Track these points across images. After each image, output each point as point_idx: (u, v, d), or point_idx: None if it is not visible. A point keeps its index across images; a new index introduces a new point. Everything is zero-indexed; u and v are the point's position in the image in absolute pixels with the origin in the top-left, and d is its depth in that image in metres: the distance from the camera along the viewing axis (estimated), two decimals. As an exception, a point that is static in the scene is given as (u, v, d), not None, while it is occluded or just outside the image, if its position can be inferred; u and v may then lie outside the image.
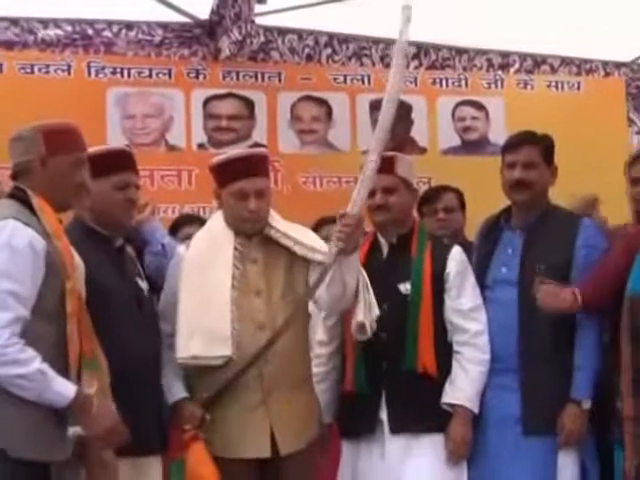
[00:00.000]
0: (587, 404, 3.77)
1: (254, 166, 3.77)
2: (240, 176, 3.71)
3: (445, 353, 3.85)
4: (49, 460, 3.01)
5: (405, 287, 3.86)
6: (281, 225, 3.81)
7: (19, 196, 3.17)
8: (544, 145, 4.00)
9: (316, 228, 4.69)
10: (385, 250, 3.99)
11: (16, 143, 3.24)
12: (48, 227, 3.10)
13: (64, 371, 3.04)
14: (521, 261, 3.92)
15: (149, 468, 3.58)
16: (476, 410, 3.81)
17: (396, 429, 3.79)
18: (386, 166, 3.91)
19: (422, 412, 3.78)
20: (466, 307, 3.88)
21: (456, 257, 3.93)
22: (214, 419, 3.60)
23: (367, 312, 3.65)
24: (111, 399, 3.21)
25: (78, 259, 3.27)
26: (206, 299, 3.62)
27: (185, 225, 4.87)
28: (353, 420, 3.88)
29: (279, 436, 3.60)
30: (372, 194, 3.89)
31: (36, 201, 3.14)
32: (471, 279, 3.94)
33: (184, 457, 3.53)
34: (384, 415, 3.82)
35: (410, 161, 4.14)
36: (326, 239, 4.65)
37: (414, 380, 3.78)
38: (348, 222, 3.56)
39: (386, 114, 3.71)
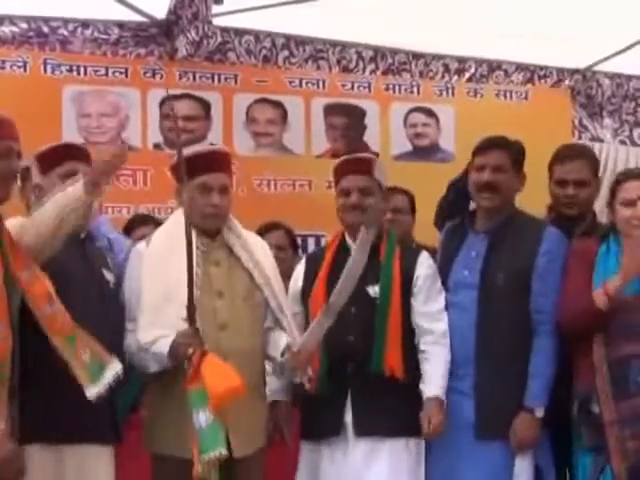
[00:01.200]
0: (540, 412, 3.80)
1: (218, 162, 3.84)
2: (204, 171, 3.75)
3: (412, 356, 3.87)
4: None
5: (374, 290, 3.88)
6: (242, 234, 3.87)
7: None
8: (514, 150, 4.03)
9: (261, 233, 4.72)
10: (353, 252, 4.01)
11: None
12: None
13: None
14: (483, 265, 3.94)
15: (97, 457, 3.57)
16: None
17: (361, 432, 3.81)
18: (363, 167, 3.96)
19: (388, 415, 3.79)
20: (434, 309, 3.92)
21: (425, 262, 3.97)
22: (171, 418, 3.62)
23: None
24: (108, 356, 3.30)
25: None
26: (167, 297, 3.63)
27: (140, 225, 4.88)
28: (316, 422, 3.89)
29: (233, 438, 3.60)
30: (346, 194, 3.92)
31: None
32: (438, 283, 3.97)
33: (201, 384, 3.45)
34: (349, 417, 3.83)
35: (385, 166, 4.17)
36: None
37: (380, 383, 3.80)
38: (301, 359, 3.67)
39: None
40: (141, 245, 3.87)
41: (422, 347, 3.89)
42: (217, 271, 3.73)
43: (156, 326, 3.61)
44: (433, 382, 3.83)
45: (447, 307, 3.96)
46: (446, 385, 3.83)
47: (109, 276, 3.75)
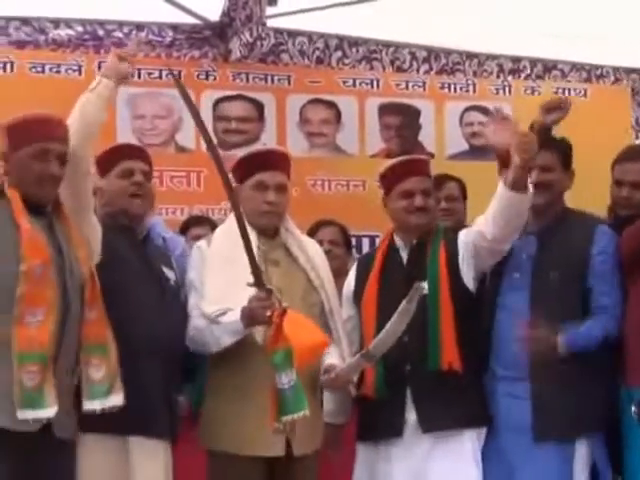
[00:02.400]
0: (563, 347, 3.74)
1: (274, 161, 3.87)
2: (261, 169, 3.78)
3: (469, 347, 3.82)
4: None
5: (423, 287, 3.85)
6: (298, 235, 3.89)
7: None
8: (562, 149, 3.99)
9: (315, 229, 4.73)
10: (404, 253, 3.98)
11: None
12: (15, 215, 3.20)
13: (6, 358, 3.08)
14: (534, 266, 3.90)
15: (154, 451, 3.60)
16: None
17: (428, 428, 3.77)
18: (424, 168, 3.99)
19: (451, 408, 3.76)
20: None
21: (463, 236, 3.92)
22: (229, 415, 3.62)
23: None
24: (120, 384, 3.29)
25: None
26: (230, 295, 3.63)
27: (194, 226, 4.91)
28: (375, 424, 3.87)
29: (294, 437, 3.60)
30: (409, 195, 3.90)
31: (8, 192, 3.26)
32: None
33: (285, 343, 3.42)
34: (412, 416, 3.80)
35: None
36: (320, 242, 4.69)
37: (439, 378, 3.77)
38: (336, 386, 3.74)
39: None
40: (202, 243, 3.89)
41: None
42: (276, 271, 3.73)
43: (223, 303, 3.62)
44: None
45: (498, 309, 3.92)
46: None
47: (170, 274, 3.79)
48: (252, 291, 3.52)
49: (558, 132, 4.08)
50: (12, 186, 3.29)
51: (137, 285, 3.61)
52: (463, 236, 3.91)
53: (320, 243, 4.69)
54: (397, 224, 4.03)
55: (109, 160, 3.75)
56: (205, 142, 3.56)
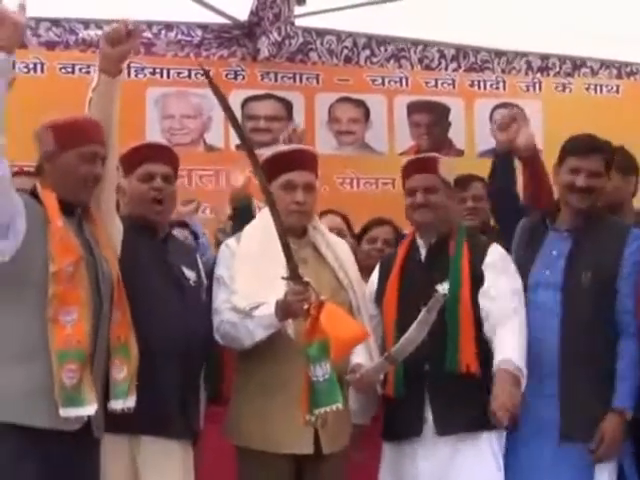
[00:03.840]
0: (629, 414, 3.71)
1: (302, 160, 3.87)
2: (289, 168, 3.78)
3: (487, 351, 3.79)
4: None
5: (443, 288, 3.84)
6: (326, 234, 3.89)
7: (32, 190, 3.33)
8: (609, 154, 3.96)
9: (369, 227, 4.74)
10: (423, 251, 3.98)
11: (35, 141, 3.37)
12: (47, 214, 3.21)
13: (47, 358, 3.09)
14: (567, 265, 3.87)
15: (168, 450, 3.59)
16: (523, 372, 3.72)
17: (442, 431, 3.76)
18: (428, 166, 3.95)
19: (467, 412, 3.74)
20: (503, 288, 3.81)
21: (495, 252, 3.90)
22: (257, 412, 3.62)
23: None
24: (134, 385, 3.31)
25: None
26: (262, 290, 3.63)
27: None
28: (397, 422, 3.86)
29: (323, 435, 3.61)
30: (412, 193, 3.91)
31: (41, 192, 3.27)
32: (511, 266, 3.89)
33: (321, 335, 3.41)
34: (430, 416, 3.79)
35: (451, 162, 4.22)
36: (374, 240, 4.67)
37: (457, 380, 3.75)
38: (360, 387, 3.72)
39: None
40: (231, 240, 3.89)
41: (489, 326, 3.77)
42: (304, 269, 3.72)
43: (255, 297, 3.62)
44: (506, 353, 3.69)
45: (527, 306, 3.86)
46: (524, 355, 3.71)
47: (190, 274, 3.78)
48: (284, 286, 3.52)
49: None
50: (46, 186, 3.31)
51: (155, 285, 3.61)
52: (491, 258, 3.88)
53: (373, 242, 4.70)
54: (410, 222, 4.05)
55: (132, 161, 3.74)
56: (238, 137, 3.56)
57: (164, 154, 3.84)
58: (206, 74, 3.53)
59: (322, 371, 3.38)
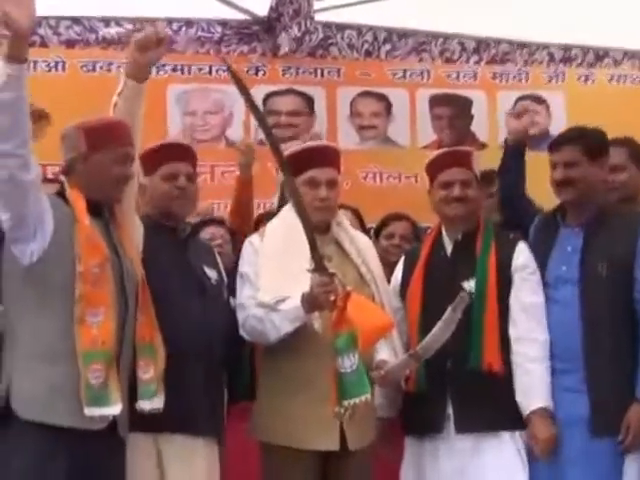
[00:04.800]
0: None
1: (326, 156, 3.86)
2: (312, 165, 3.77)
3: (511, 350, 3.80)
4: None
5: (469, 285, 3.83)
6: (349, 230, 3.88)
7: (59, 190, 3.34)
8: (587, 142, 3.90)
9: (387, 222, 4.73)
10: (449, 247, 3.96)
11: (63, 141, 3.38)
12: (74, 214, 3.22)
13: (73, 358, 3.10)
14: (582, 259, 3.84)
15: (194, 448, 3.59)
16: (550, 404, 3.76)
17: (462, 429, 3.76)
18: (465, 160, 3.96)
19: (489, 410, 3.73)
20: (527, 301, 3.85)
21: (523, 252, 3.89)
22: (283, 407, 3.62)
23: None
24: (162, 386, 3.32)
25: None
26: (287, 285, 3.62)
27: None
28: (418, 418, 3.85)
29: (349, 431, 3.60)
30: (447, 186, 3.89)
31: (69, 192, 3.28)
32: (536, 276, 3.88)
33: (348, 327, 3.40)
34: (451, 413, 3.78)
35: (477, 156, 4.15)
36: (391, 236, 4.64)
37: (479, 378, 3.74)
38: (385, 383, 3.69)
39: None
40: (254, 237, 3.88)
41: (511, 343, 3.81)
42: (329, 265, 3.71)
43: (280, 291, 3.61)
44: (529, 392, 3.76)
45: (547, 302, 3.86)
46: (544, 387, 3.75)
47: (211, 273, 3.78)
48: (308, 278, 3.50)
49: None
50: (75, 186, 3.31)
51: (177, 285, 3.60)
52: (520, 261, 3.88)
53: (391, 237, 4.68)
54: (439, 216, 4.02)
55: (154, 160, 3.73)
56: (262, 131, 3.54)
57: (186, 153, 3.84)
58: (228, 68, 3.52)
59: (350, 362, 3.37)
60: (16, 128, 3.00)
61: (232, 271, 4.02)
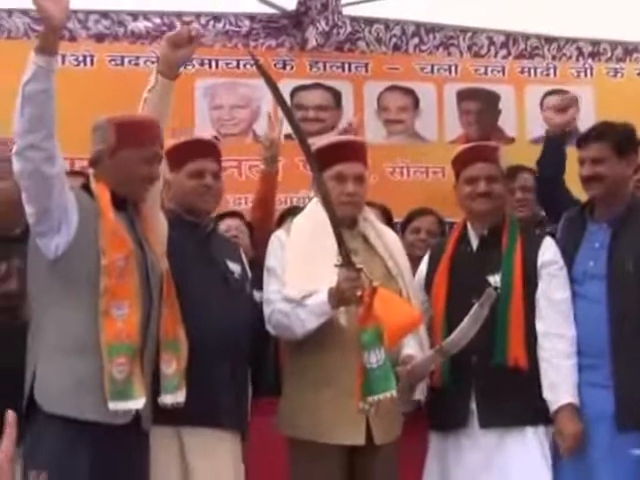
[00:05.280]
0: None
1: (353, 151, 3.86)
2: (339, 160, 3.77)
3: (536, 345, 3.80)
4: None
5: (495, 280, 3.83)
6: (376, 224, 3.88)
7: (84, 183, 3.37)
8: (615, 138, 3.90)
9: (413, 217, 4.72)
10: (475, 242, 3.96)
11: (93, 132, 3.39)
12: (99, 208, 3.23)
13: (97, 351, 3.10)
14: (609, 255, 3.84)
15: (218, 441, 3.61)
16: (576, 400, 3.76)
17: (486, 424, 3.77)
18: (491, 155, 3.95)
19: (513, 406, 3.74)
20: (555, 297, 3.84)
21: (549, 247, 3.90)
22: (309, 402, 3.62)
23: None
24: (184, 382, 3.34)
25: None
26: (313, 280, 3.63)
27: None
28: (443, 413, 3.86)
29: (375, 425, 3.60)
30: (473, 181, 3.88)
31: (94, 186, 3.30)
32: (563, 271, 3.88)
33: (375, 322, 3.41)
34: (475, 408, 3.79)
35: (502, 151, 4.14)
36: (417, 230, 4.63)
37: (505, 374, 3.75)
38: (411, 379, 3.68)
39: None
40: (280, 232, 3.89)
41: (538, 337, 3.81)
42: (355, 260, 3.71)
43: (307, 286, 3.62)
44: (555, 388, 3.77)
45: (574, 298, 3.87)
46: (571, 383, 3.76)
47: (234, 267, 3.79)
48: (334, 272, 3.51)
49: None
50: (100, 179, 3.32)
51: (201, 280, 3.62)
52: (547, 256, 3.88)
53: (417, 232, 4.67)
54: (465, 211, 4.03)
55: (180, 157, 3.74)
56: (290, 125, 3.54)
57: (212, 150, 3.86)
58: (256, 62, 3.53)
59: (376, 358, 3.37)
60: (42, 121, 3.01)
61: (251, 264, 4.04)
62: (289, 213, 4.95)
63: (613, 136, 3.90)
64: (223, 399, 3.59)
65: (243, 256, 3.95)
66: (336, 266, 3.49)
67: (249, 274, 3.91)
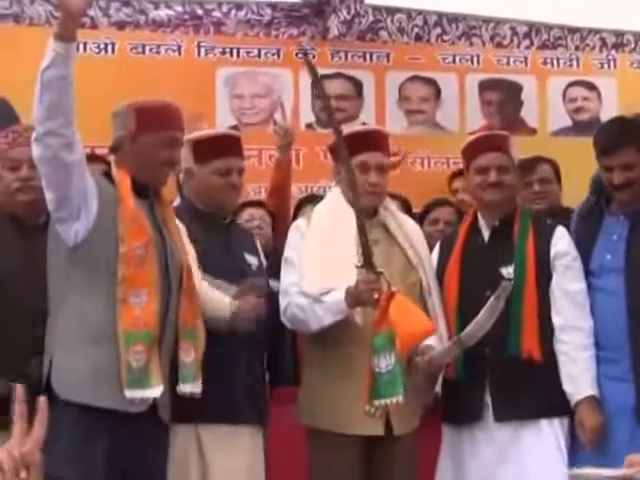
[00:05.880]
0: None
1: (376, 141, 3.85)
2: (362, 149, 3.75)
3: (550, 337, 3.78)
4: None
5: (508, 271, 3.80)
6: (396, 214, 3.86)
7: (105, 170, 3.38)
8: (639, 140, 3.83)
9: (430, 208, 4.70)
10: (486, 233, 3.94)
11: (113, 119, 3.39)
12: (119, 194, 3.23)
13: (115, 339, 3.10)
14: (627, 248, 3.80)
15: (235, 437, 3.60)
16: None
17: (501, 418, 3.75)
18: (502, 144, 3.91)
19: (528, 398, 3.72)
20: (570, 288, 3.82)
21: (562, 238, 3.87)
22: (328, 392, 3.62)
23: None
24: (200, 373, 3.32)
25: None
26: (332, 274, 3.62)
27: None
28: (457, 406, 3.84)
29: (394, 416, 3.59)
30: (484, 171, 3.85)
31: (115, 172, 3.30)
32: (577, 262, 3.86)
33: (388, 327, 3.42)
34: (489, 401, 3.77)
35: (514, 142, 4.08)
36: (436, 221, 4.61)
37: (519, 366, 3.72)
38: (429, 369, 3.64)
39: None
40: (301, 221, 3.88)
41: (555, 331, 3.78)
42: (376, 250, 3.70)
43: (325, 283, 3.61)
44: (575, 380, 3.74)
45: (592, 291, 3.84)
46: (591, 376, 3.73)
47: (251, 259, 3.78)
48: (351, 273, 3.50)
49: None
50: (121, 165, 3.32)
51: (218, 273, 3.59)
52: (560, 247, 3.84)
53: (435, 223, 4.65)
54: (476, 202, 4.00)
55: (209, 151, 3.70)
56: (327, 116, 3.54)
57: (239, 147, 3.83)
58: (305, 54, 3.51)
59: (386, 362, 3.39)
60: (60, 107, 3.01)
61: (272, 253, 4.02)
62: (307, 201, 4.94)
63: (638, 138, 3.85)
64: (239, 394, 3.59)
65: (260, 248, 3.94)
66: (357, 267, 3.49)
67: (265, 265, 3.90)
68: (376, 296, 3.45)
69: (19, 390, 1.75)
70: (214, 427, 3.53)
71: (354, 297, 3.52)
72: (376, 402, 3.41)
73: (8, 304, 3.33)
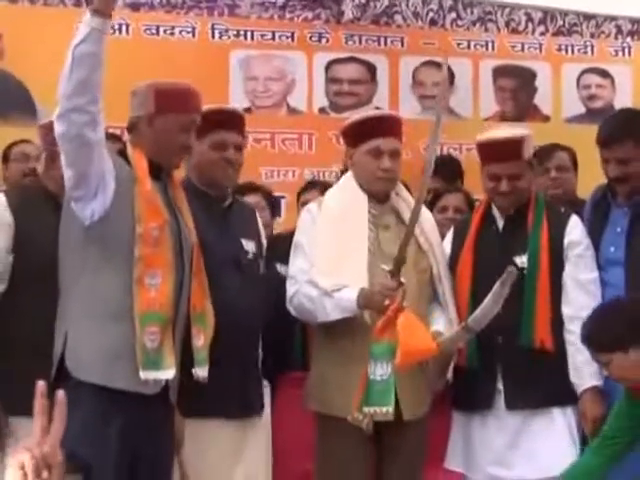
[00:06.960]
0: None
1: (390, 126, 3.83)
2: (376, 134, 3.74)
3: (562, 326, 3.78)
4: None
5: (521, 260, 3.80)
6: (408, 200, 3.84)
7: (121, 149, 3.35)
8: (637, 135, 3.81)
9: (440, 194, 4.70)
10: (500, 221, 3.93)
11: (132, 98, 3.37)
12: (136, 175, 3.22)
13: (129, 320, 3.10)
14: (627, 241, 3.81)
15: (253, 429, 3.64)
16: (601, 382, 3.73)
17: (512, 406, 3.76)
18: (514, 152, 3.83)
19: (539, 387, 3.73)
20: (582, 277, 3.81)
21: (575, 227, 3.86)
22: (337, 378, 3.62)
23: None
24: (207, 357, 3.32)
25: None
26: (343, 259, 3.63)
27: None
28: (468, 393, 3.85)
29: (403, 401, 3.59)
30: (496, 179, 3.83)
31: (131, 152, 3.28)
32: (590, 251, 3.85)
33: (390, 337, 3.43)
34: (501, 389, 3.78)
35: (531, 136, 4.02)
36: (445, 209, 4.61)
37: (531, 355, 3.73)
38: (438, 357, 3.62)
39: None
40: (313, 205, 3.86)
41: (565, 321, 3.78)
42: (387, 236, 3.70)
43: (336, 277, 3.60)
44: (581, 370, 3.74)
45: (601, 285, 3.84)
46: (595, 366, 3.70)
47: (248, 245, 3.74)
48: (362, 258, 3.52)
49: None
50: (137, 146, 3.31)
51: (214, 260, 3.52)
52: (573, 236, 3.84)
53: (444, 210, 4.65)
54: (489, 198, 3.99)
55: (205, 125, 3.59)
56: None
57: (236, 121, 3.79)
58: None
59: (381, 371, 3.42)
60: (89, 84, 3.00)
61: (276, 238, 4.00)
62: (311, 187, 4.90)
63: (636, 134, 3.82)
64: (233, 383, 3.56)
65: (261, 231, 3.91)
66: (385, 271, 3.50)
67: (264, 251, 3.88)
68: (386, 302, 3.46)
69: (40, 386, 1.73)
70: (193, 421, 3.49)
71: (367, 299, 3.53)
72: (365, 409, 3.43)
73: (46, 282, 3.34)
